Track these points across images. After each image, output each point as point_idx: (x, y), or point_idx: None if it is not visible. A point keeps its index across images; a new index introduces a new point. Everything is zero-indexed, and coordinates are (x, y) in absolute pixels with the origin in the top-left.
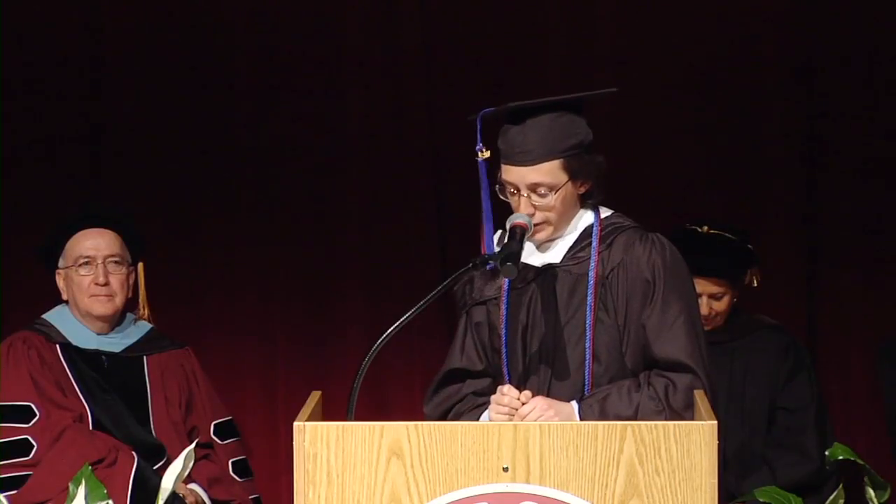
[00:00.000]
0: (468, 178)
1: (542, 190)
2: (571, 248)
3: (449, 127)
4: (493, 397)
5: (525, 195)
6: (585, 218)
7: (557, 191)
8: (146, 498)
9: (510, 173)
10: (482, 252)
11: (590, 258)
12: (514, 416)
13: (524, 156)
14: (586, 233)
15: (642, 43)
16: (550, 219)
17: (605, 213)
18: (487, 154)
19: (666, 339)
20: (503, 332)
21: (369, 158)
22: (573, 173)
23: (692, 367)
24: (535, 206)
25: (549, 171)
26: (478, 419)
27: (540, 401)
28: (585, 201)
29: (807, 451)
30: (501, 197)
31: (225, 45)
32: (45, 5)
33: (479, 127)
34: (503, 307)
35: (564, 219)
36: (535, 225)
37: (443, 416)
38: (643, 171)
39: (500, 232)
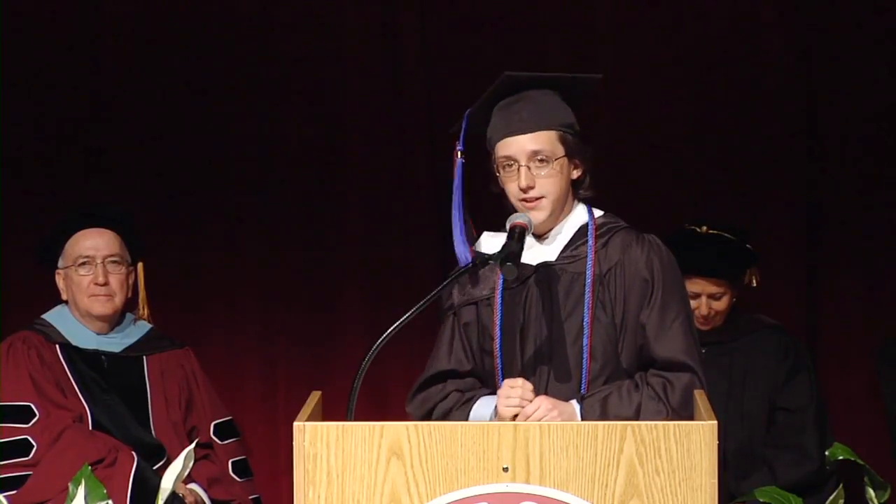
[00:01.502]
0: (468, 179)
1: (542, 156)
2: (567, 246)
3: (449, 127)
4: (500, 391)
5: (525, 166)
6: (579, 217)
7: (557, 160)
8: (146, 498)
9: (509, 146)
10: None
11: (586, 257)
12: (524, 407)
13: (523, 124)
14: (581, 231)
15: (642, 43)
16: (549, 192)
17: (598, 213)
18: (463, 157)
19: (665, 339)
20: (497, 332)
21: (369, 158)
22: (568, 150)
23: (692, 366)
24: (534, 178)
25: (547, 139)
26: (467, 415)
27: (544, 400)
28: (578, 192)
29: (807, 451)
30: (494, 189)
31: (225, 46)
32: (45, 5)
33: (464, 126)
34: (497, 307)
35: (561, 203)
36: (534, 200)
37: (426, 416)
38: (643, 171)
39: (488, 234)
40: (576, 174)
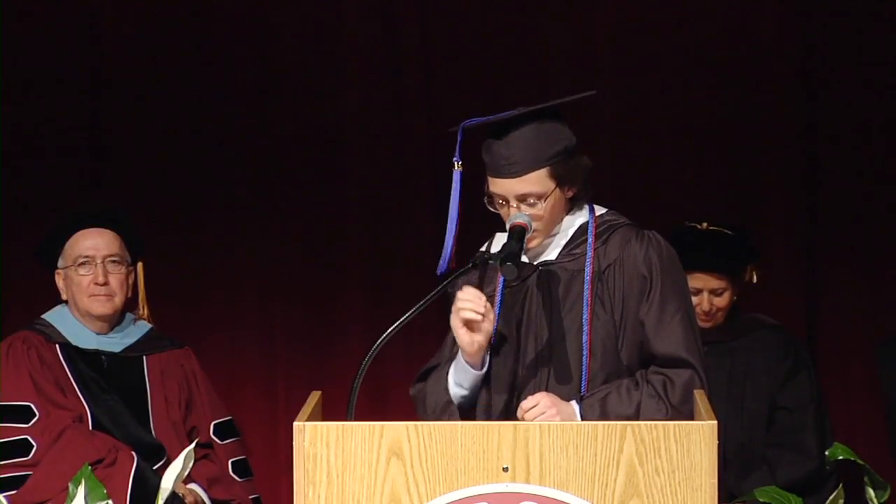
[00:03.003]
0: (468, 179)
1: (531, 200)
2: (567, 245)
3: (449, 128)
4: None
5: (514, 205)
6: (580, 216)
7: (546, 199)
8: (146, 498)
9: (498, 186)
10: (441, 263)
11: (585, 255)
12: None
13: (510, 168)
14: (581, 230)
15: (642, 44)
16: (540, 227)
17: (600, 210)
18: (461, 167)
19: (665, 335)
20: (494, 330)
21: (369, 158)
22: (560, 180)
23: (691, 363)
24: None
25: (536, 181)
26: (446, 374)
27: (543, 396)
28: (575, 203)
29: (806, 451)
30: (490, 209)
31: (225, 46)
32: (45, 6)
33: (459, 138)
34: (497, 305)
35: (554, 224)
36: None
37: (423, 400)
38: (643, 170)
39: (498, 235)
40: (570, 193)
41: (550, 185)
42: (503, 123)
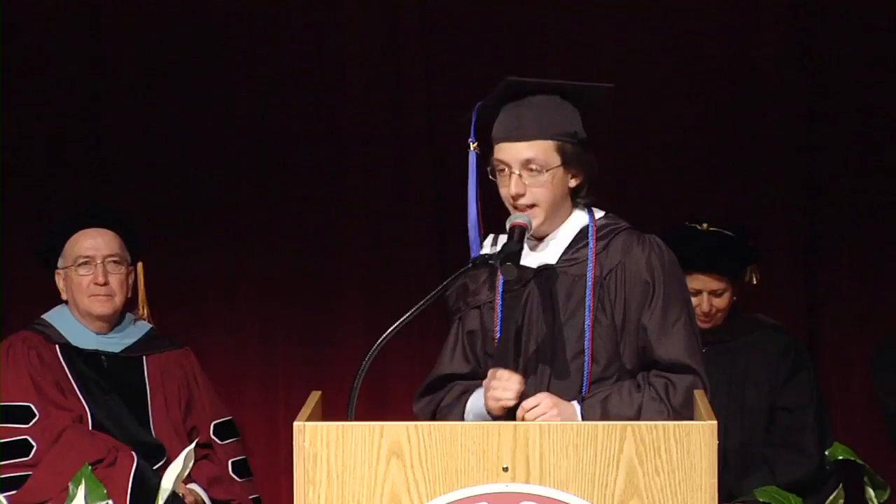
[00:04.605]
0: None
1: (534, 166)
2: (567, 248)
3: (449, 127)
4: (485, 382)
5: (517, 173)
6: (580, 219)
7: (549, 170)
8: (146, 498)
9: (504, 151)
10: (471, 244)
11: (587, 259)
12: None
13: (519, 131)
14: (582, 234)
15: (642, 43)
16: (540, 201)
17: (599, 213)
18: (476, 149)
19: (667, 340)
20: (497, 334)
21: (369, 158)
22: (566, 159)
23: (694, 368)
24: (525, 185)
25: (542, 149)
26: (463, 408)
27: (545, 397)
28: (576, 199)
29: (806, 451)
30: (492, 178)
31: (225, 45)
32: (46, 4)
33: (473, 118)
34: (498, 310)
35: (554, 209)
36: (525, 207)
37: (431, 416)
38: (643, 170)
39: (492, 236)
40: (574, 183)
41: (556, 159)
42: (521, 90)
